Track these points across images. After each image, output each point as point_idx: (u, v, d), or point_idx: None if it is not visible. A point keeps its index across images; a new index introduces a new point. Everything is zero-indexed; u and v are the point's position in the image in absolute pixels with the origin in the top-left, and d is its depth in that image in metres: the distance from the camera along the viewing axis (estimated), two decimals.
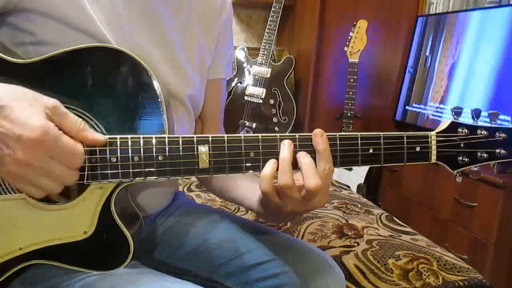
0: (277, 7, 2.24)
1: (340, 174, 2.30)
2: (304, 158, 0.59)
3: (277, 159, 0.59)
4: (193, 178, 1.62)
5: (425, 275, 1.05)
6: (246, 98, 2.26)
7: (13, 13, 0.60)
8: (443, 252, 1.17)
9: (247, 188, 0.76)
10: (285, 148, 0.58)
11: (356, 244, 1.18)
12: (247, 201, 0.74)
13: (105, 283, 0.61)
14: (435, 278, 1.04)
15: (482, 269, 1.71)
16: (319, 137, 0.59)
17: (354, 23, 2.17)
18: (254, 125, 2.25)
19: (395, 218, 1.41)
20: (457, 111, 0.65)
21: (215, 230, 0.82)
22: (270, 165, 0.59)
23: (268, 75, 2.27)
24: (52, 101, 0.51)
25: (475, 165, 0.65)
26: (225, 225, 0.83)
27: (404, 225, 1.36)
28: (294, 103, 2.30)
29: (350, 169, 2.28)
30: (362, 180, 2.24)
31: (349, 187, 1.84)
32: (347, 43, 2.18)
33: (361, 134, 0.61)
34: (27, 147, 0.48)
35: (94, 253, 0.62)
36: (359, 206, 1.50)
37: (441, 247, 1.22)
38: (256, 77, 2.27)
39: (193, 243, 0.81)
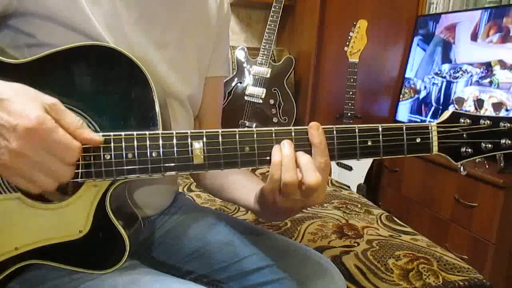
0: (277, 7, 2.23)
1: (340, 174, 2.30)
2: (302, 156, 0.58)
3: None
4: None
5: (425, 275, 1.04)
6: (246, 98, 2.25)
7: (13, 16, 0.61)
8: (443, 252, 1.17)
9: (242, 186, 0.75)
10: (286, 147, 0.58)
11: (356, 244, 1.17)
12: (243, 200, 0.74)
13: (106, 283, 0.61)
14: (435, 278, 1.03)
15: (482, 269, 1.70)
16: (315, 130, 0.58)
17: (354, 23, 2.17)
18: (254, 125, 2.24)
19: (395, 218, 1.41)
20: (459, 100, 0.63)
21: (216, 233, 0.81)
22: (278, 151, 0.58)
23: (268, 75, 2.26)
24: (52, 99, 0.51)
25: (479, 156, 0.63)
26: (226, 229, 0.82)
27: (404, 225, 1.36)
28: (294, 103, 2.29)
29: (350, 169, 2.28)
30: (362, 180, 2.23)
31: (349, 187, 1.83)
32: (347, 43, 2.17)
33: (358, 126, 0.60)
34: (21, 136, 0.47)
35: (90, 252, 0.61)
36: (359, 206, 1.50)
37: (441, 247, 1.21)
38: (256, 77, 2.26)
39: (193, 245, 0.81)
